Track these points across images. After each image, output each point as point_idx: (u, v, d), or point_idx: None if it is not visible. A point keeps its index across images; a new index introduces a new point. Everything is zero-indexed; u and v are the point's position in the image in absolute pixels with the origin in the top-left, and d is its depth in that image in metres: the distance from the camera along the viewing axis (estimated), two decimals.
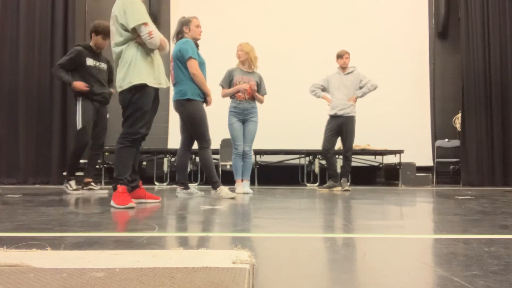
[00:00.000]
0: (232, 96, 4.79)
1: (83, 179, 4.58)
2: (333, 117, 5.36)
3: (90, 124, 4.39)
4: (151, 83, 3.07)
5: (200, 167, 4.14)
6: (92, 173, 4.63)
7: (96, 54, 4.53)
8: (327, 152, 5.35)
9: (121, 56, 3.04)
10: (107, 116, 4.67)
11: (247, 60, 4.77)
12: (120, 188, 2.95)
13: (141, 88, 3.02)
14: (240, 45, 4.82)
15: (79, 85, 4.33)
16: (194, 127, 3.90)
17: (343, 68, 5.40)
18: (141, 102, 3.03)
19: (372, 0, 7.92)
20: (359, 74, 5.40)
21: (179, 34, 4.06)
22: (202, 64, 3.99)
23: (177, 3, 7.88)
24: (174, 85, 3.99)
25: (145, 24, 2.97)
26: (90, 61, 4.44)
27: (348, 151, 5.37)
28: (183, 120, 4.02)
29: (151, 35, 2.97)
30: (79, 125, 4.35)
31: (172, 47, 4.01)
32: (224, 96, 4.86)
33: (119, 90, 3.07)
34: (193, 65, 3.84)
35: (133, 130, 3.04)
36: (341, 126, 5.32)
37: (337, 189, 5.29)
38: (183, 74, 3.89)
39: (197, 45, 4.02)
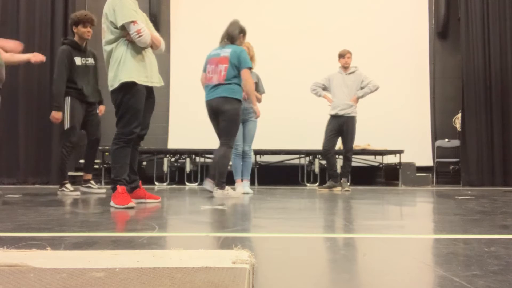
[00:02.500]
0: None
1: (83, 177, 4.53)
2: (333, 117, 5.35)
3: (79, 124, 4.29)
4: (142, 81, 3.02)
5: (213, 163, 4.13)
6: (91, 170, 4.55)
7: (82, 50, 4.37)
8: (327, 152, 5.35)
9: (112, 54, 3.01)
10: (97, 111, 4.52)
11: (252, 59, 4.80)
12: (120, 188, 2.94)
13: (131, 87, 2.98)
14: (249, 44, 4.78)
15: (55, 120, 4.23)
16: (231, 125, 4.01)
17: (345, 67, 5.38)
18: (133, 101, 2.99)
19: (372, 0, 7.92)
20: (361, 75, 5.37)
21: (233, 39, 4.17)
22: None
23: (177, 3, 7.88)
24: (222, 84, 4.02)
25: (133, 22, 2.93)
26: (78, 60, 4.31)
27: (348, 152, 5.36)
28: (225, 116, 3.99)
29: (139, 33, 2.93)
30: (67, 124, 4.26)
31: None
32: None
33: (110, 89, 3.04)
34: (249, 75, 4.07)
35: (127, 130, 3.01)
36: (341, 126, 5.31)
37: (337, 189, 5.29)
38: (236, 78, 4.05)
39: None
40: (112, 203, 2.91)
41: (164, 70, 7.81)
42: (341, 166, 5.47)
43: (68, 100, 4.28)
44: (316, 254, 1.36)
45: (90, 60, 4.45)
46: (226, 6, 7.83)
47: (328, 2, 7.90)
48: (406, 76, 7.75)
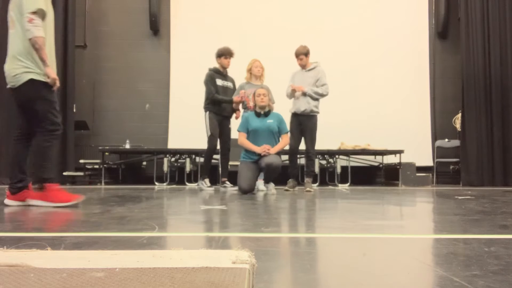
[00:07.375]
0: (245, 107, 5.29)
1: (221, 179, 5.47)
2: (293, 115, 5.18)
3: (216, 131, 5.23)
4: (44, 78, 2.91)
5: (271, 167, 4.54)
6: (226, 173, 5.44)
7: (223, 75, 5.38)
8: (292, 151, 5.17)
9: (17, 46, 2.85)
10: (229, 126, 5.45)
11: (262, 75, 5.37)
12: (54, 186, 2.87)
13: (43, 82, 2.88)
14: (259, 62, 5.38)
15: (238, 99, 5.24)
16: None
17: (302, 66, 5.22)
18: (50, 95, 2.91)
19: (372, 0, 7.92)
20: (319, 72, 5.14)
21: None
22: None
23: (177, 3, 7.87)
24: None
25: (35, 13, 2.77)
26: (219, 81, 5.31)
27: (309, 151, 5.10)
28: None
29: (32, 22, 2.76)
30: (208, 132, 5.24)
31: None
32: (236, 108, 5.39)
33: (16, 84, 2.87)
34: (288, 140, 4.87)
35: (56, 125, 2.92)
36: (300, 125, 5.13)
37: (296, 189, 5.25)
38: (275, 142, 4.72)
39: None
40: (48, 204, 2.79)
41: (164, 70, 7.81)
42: (304, 166, 5.24)
43: (207, 114, 5.24)
44: (315, 254, 1.36)
45: (228, 84, 5.44)
46: (226, 6, 7.82)
47: (328, 2, 7.89)
48: (406, 76, 7.74)
